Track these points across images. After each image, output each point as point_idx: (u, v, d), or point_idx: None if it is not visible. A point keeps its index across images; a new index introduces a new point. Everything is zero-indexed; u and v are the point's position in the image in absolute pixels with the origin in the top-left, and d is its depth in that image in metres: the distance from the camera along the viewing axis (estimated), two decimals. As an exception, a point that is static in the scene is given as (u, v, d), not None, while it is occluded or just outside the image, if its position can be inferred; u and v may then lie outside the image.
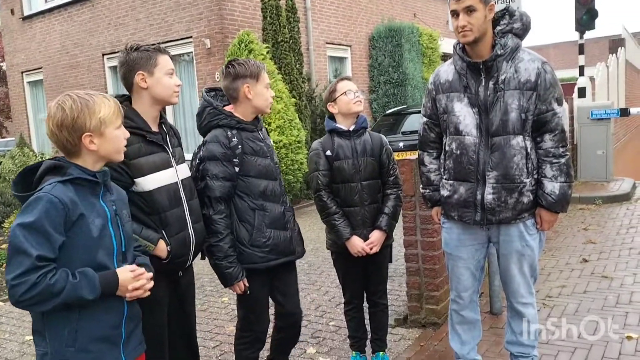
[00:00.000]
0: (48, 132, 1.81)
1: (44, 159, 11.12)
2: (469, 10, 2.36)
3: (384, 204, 2.96)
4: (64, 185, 1.74)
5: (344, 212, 2.92)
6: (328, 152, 2.92)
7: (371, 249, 2.90)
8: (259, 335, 2.70)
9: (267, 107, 2.67)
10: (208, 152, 2.51)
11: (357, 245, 2.89)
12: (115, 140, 1.86)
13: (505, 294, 2.73)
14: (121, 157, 1.94)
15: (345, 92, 2.91)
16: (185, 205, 2.37)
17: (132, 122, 2.23)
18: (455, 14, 2.41)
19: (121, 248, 1.88)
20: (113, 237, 1.84)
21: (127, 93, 2.37)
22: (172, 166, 2.35)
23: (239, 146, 2.54)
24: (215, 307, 4.52)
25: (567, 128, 2.51)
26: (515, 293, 2.61)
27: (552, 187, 2.46)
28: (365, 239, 2.91)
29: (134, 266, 1.87)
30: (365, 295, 3.16)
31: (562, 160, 2.46)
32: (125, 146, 2.04)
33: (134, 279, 1.83)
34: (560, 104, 2.46)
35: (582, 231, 6.03)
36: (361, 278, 3.10)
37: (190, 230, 2.38)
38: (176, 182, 2.35)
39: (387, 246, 3.06)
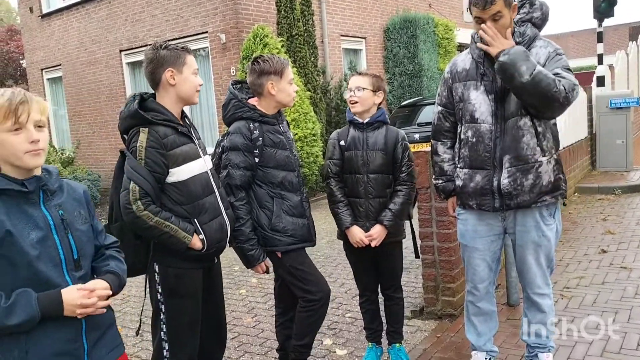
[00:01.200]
0: None
1: (64, 154, 11.17)
2: (496, 17, 2.34)
3: (391, 199, 2.94)
4: None
5: (349, 202, 2.95)
6: (342, 142, 2.98)
7: (370, 241, 2.91)
8: (324, 301, 2.74)
9: (290, 102, 2.81)
10: (231, 143, 2.66)
11: (356, 234, 2.92)
12: (4, 144, 1.61)
13: (521, 284, 2.73)
14: (26, 163, 1.64)
15: (347, 89, 2.99)
16: (217, 193, 2.47)
17: (164, 115, 2.33)
18: (480, 21, 2.38)
19: (72, 256, 1.71)
20: (59, 246, 1.67)
21: (149, 91, 2.45)
22: (200, 156, 2.44)
23: (260, 138, 2.67)
24: (233, 299, 4.58)
25: (577, 89, 2.39)
26: (532, 284, 2.61)
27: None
28: (367, 231, 2.93)
29: (80, 285, 1.68)
30: (380, 287, 3.18)
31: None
32: (163, 139, 2.04)
33: (82, 297, 1.65)
34: (566, 71, 2.38)
35: (601, 222, 5.97)
36: (372, 270, 3.12)
37: (225, 216, 2.48)
38: (206, 172, 2.44)
39: (396, 242, 3.05)
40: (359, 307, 3.30)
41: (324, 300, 2.74)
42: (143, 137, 2.25)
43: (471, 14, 2.43)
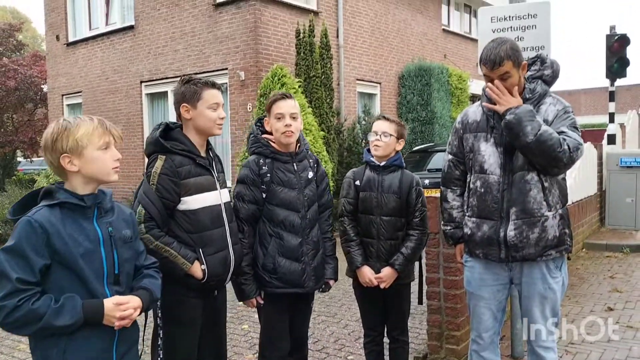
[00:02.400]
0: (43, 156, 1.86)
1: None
2: (504, 77, 2.42)
3: (404, 243, 2.98)
4: (50, 209, 1.74)
5: (361, 241, 2.99)
6: (357, 182, 3.03)
7: (379, 283, 2.94)
8: None
9: (282, 139, 2.71)
10: (240, 176, 2.73)
11: (366, 274, 2.94)
12: (97, 160, 1.83)
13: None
14: (111, 178, 1.90)
15: (372, 133, 3.04)
16: (226, 227, 2.51)
17: (184, 145, 2.43)
18: (489, 79, 2.47)
19: (113, 271, 1.85)
20: (104, 260, 1.82)
21: (168, 120, 2.55)
22: (216, 189, 2.50)
23: (268, 174, 2.71)
24: (235, 334, 4.56)
25: (582, 148, 2.48)
26: (537, 336, 2.61)
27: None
28: (378, 272, 2.95)
29: (118, 297, 1.83)
30: (385, 329, 3.18)
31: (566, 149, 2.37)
32: (178, 167, 2.14)
33: (119, 309, 1.80)
34: (573, 130, 2.44)
35: (608, 279, 5.93)
36: (380, 310, 3.12)
37: (231, 251, 2.51)
38: (219, 204, 2.50)
39: (404, 284, 3.08)
40: (361, 349, 3.29)
41: None
42: (159, 163, 2.35)
43: (481, 70, 2.54)
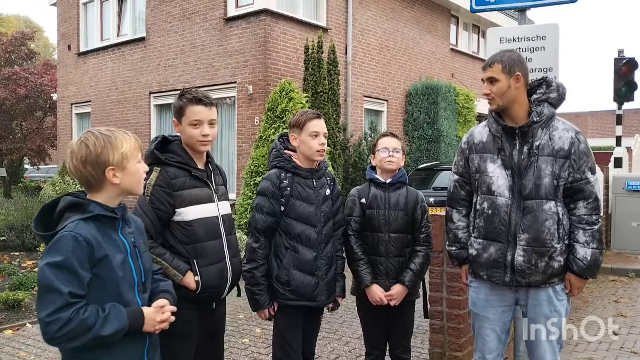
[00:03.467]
0: (71, 168, 1.85)
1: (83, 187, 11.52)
2: (491, 80, 2.53)
3: (411, 259, 2.98)
4: (85, 223, 1.77)
5: (369, 259, 2.99)
6: (363, 200, 3.03)
7: (390, 300, 2.93)
8: None
9: (315, 156, 2.79)
10: (260, 188, 2.77)
11: (376, 293, 2.94)
12: (136, 173, 1.91)
13: (529, 359, 2.70)
14: (141, 190, 1.99)
15: (381, 149, 3.04)
16: (224, 239, 2.51)
17: (180, 157, 2.44)
18: (483, 81, 2.59)
19: (141, 279, 1.92)
20: (133, 270, 1.88)
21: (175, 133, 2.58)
22: (213, 201, 2.50)
23: (288, 188, 2.75)
24: (236, 348, 4.53)
25: (600, 196, 2.55)
26: (541, 359, 2.59)
27: (585, 252, 2.48)
28: (387, 289, 2.95)
29: (157, 301, 1.93)
30: (388, 347, 3.16)
31: (595, 227, 2.50)
32: (172, 179, 2.17)
33: (158, 313, 1.89)
34: (593, 172, 2.52)
35: (613, 303, 5.87)
36: (383, 329, 3.11)
37: (228, 264, 2.51)
38: (216, 217, 2.50)
39: (410, 301, 3.07)
40: (362, 367, 3.26)
41: None
42: (154, 175, 2.37)
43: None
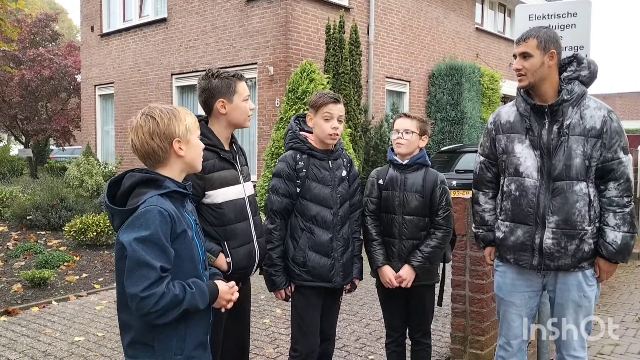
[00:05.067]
0: (136, 142, 1.85)
1: (107, 168, 11.63)
2: (524, 55, 2.42)
3: (424, 241, 2.92)
4: (163, 199, 1.79)
5: (383, 241, 2.95)
6: (381, 181, 3.00)
7: (400, 282, 2.89)
8: (304, 358, 2.75)
9: (326, 139, 2.78)
10: (276, 169, 2.77)
11: (387, 274, 2.91)
12: (198, 147, 1.96)
13: (555, 345, 2.64)
14: (200, 167, 2.00)
15: (393, 131, 3.01)
16: (250, 220, 2.52)
17: (209, 139, 2.42)
18: (515, 57, 2.48)
19: (203, 257, 1.96)
20: (198, 247, 1.91)
21: (202, 114, 2.54)
22: (240, 183, 2.51)
23: (304, 170, 2.74)
24: (256, 328, 4.56)
25: (632, 177, 2.46)
26: (568, 345, 2.53)
27: (615, 236, 2.40)
28: (398, 271, 2.92)
29: (226, 283, 1.98)
30: (408, 331, 3.13)
31: (627, 210, 2.41)
32: (203, 162, 2.15)
33: (229, 292, 1.96)
34: (625, 152, 2.42)
35: (641, 289, 5.74)
36: (402, 311, 3.07)
37: (255, 244, 2.53)
38: (243, 198, 2.51)
39: (428, 285, 3.01)
40: (382, 349, 3.25)
41: (303, 356, 2.76)
42: None
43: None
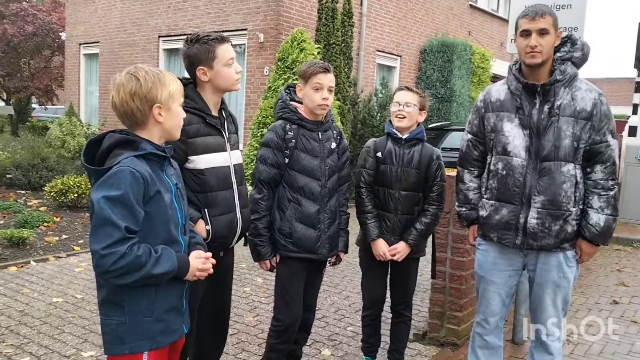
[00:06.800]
0: (116, 100, 1.81)
1: (90, 129, 11.38)
2: (542, 32, 2.35)
3: (419, 218, 2.93)
4: (138, 160, 1.77)
5: (378, 214, 2.95)
6: (379, 154, 2.96)
7: (394, 255, 2.91)
8: (286, 327, 2.76)
9: (316, 110, 2.74)
10: (265, 139, 2.72)
11: (380, 247, 2.92)
12: (178, 117, 1.92)
13: (533, 323, 2.68)
14: (178, 136, 1.97)
15: (393, 103, 2.97)
16: (235, 189, 2.47)
17: (195, 103, 2.36)
18: (526, 33, 2.39)
19: (183, 221, 1.94)
20: (177, 211, 1.89)
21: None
22: (226, 150, 2.44)
23: (293, 140, 2.70)
24: (237, 297, 4.57)
25: (617, 161, 2.47)
26: (544, 324, 2.56)
27: (598, 218, 2.42)
28: (391, 245, 2.93)
29: (202, 252, 1.98)
30: (390, 304, 3.15)
31: (611, 193, 2.43)
32: (186, 125, 2.10)
33: (202, 263, 1.94)
34: (613, 136, 2.43)
35: (616, 272, 5.86)
36: (383, 284, 3.10)
37: (238, 214, 2.48)
38: (228, 166, 2.45)
39: (415, 258, 3.04)
40: (361, 322, 3.27)
41: (286, 326, 2.76)
42: None
43: (516, 31, 2.44)
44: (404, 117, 2.91)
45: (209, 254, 1.99)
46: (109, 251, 1.66)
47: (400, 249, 2.91)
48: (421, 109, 2.97)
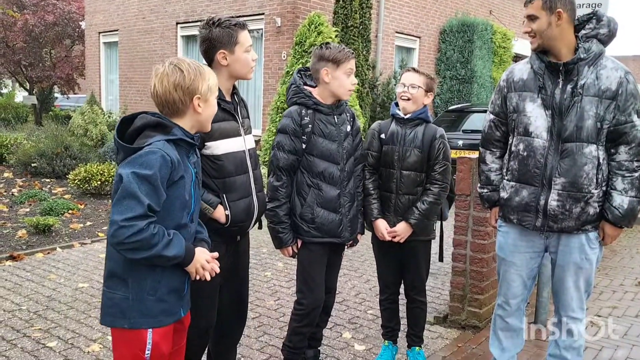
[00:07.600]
0: (159, 89, 1.88)
1: (111, 117, 11.56)
2: (531, 18, 2.38)
3: (421, 198, 2.90)
4: (169, 144, 1.84)
5: (380, 195, 2.95)
6: (383, 135, 2.96)
7: (394, 237, 2.89)
8: (309, 311, 2.77)
9: (345, 95, 2.75)
10: (281, 125, 2.70)
11: (380, 228, 2.91)
12: (213, 108, 2.02)
13: (555, 306, 2.65)
14: (209, 128, 2.07)
15: (399, 84, 2.96)
16: (250, 174, 2.48)
17: None
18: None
19: (195, 209, 1.99)
20: (193, 199, 1.95)
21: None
22: (240, 135, 2.45)
23: (310, 125, 2.68)
24: (258, 280, 4.62)
25: None
26: (567, 307, 2.53)
27: (621, 200, 2.37)
28: (393, 226, 2.91)
29: (207, 252, 2.01)
30: (403, 288, 3.15)
31: (635, 174, 2.37)
32: None
33: (206, 259, 1.97)
34: (639, 116, 2.35)
35: (642, 254, 5.76)
36: (396, 268, 3.08)
37: (254, 198, 2.49)
38: (243, 151, 2.45)
39: (423, 242, 3.01)
40: (380, 305, 3.27)
41: (309, 310, 2.77)
42: None
43: None
44: (409, 99, 2.90)
45: (216, 254, 2.02)
46: (128, 223, 1.71)
47: (400, 231, 2.88)
48: (428, 90, 2.93)
